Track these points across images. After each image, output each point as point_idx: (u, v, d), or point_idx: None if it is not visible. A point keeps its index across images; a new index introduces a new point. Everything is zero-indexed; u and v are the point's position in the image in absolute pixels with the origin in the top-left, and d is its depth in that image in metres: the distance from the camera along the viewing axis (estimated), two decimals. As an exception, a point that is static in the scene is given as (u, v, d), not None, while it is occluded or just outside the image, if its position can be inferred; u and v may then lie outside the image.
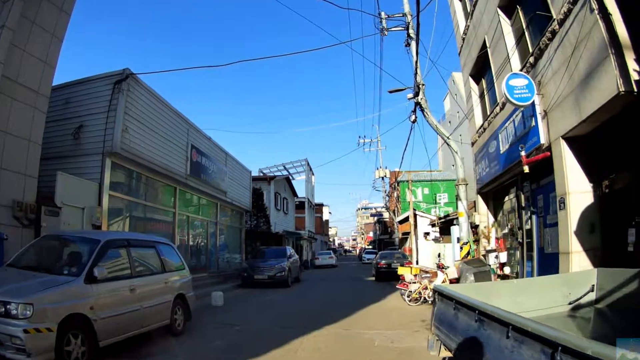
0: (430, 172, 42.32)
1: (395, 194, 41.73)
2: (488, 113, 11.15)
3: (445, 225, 17.79)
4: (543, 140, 7.16)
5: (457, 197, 12.26)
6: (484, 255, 11.41)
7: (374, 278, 18.81)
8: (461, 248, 11.71)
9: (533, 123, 7.44)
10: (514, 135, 8.67)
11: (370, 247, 58.17)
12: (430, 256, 18.61)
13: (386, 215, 55.42)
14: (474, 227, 12.19)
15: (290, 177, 39.82)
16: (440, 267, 9.74)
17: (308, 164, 41.53)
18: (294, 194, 34.93)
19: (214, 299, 10.59)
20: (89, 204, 9.22)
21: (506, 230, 11.11)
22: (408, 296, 9.53)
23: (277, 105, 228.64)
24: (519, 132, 8.31)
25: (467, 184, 12.11)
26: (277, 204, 28.26)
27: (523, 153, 7.67)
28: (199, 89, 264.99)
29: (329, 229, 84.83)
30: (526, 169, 7.48)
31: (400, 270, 10.55)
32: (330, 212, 74.87)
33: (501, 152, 9.61)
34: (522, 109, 7.63)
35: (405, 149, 29.61)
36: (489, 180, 10.87)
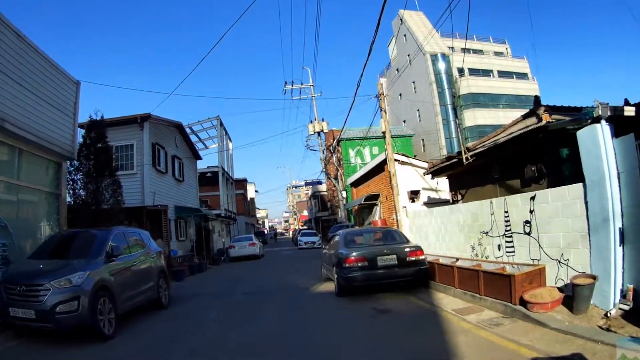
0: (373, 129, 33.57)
1: (335, 158, 32.27)
2: None
3: (483, 166, 8.35)
4: None
5: None
6: None
7: (333, 288, 8.84)
8: None
9: None
10: None
11: (305, 227, 48.35)
12: (451, 237, 9.13)
13: (323, 188, 46.06)
14: None
15: (196, 136, 28.47)
16: None
17: (221, 123, 30.35)
18: (196, 155, 23.61)
19: None
20: None
21: None
22: None
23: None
24: None
25: None
26: (158, 162, 17.04)
27: None
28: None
29: (258, 210, 73.71)
30: None
31: None
32: (256, 191, 63.65)
33: None
34: None
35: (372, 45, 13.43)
36: None
